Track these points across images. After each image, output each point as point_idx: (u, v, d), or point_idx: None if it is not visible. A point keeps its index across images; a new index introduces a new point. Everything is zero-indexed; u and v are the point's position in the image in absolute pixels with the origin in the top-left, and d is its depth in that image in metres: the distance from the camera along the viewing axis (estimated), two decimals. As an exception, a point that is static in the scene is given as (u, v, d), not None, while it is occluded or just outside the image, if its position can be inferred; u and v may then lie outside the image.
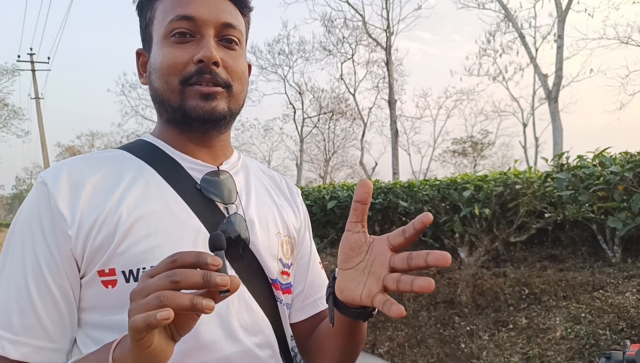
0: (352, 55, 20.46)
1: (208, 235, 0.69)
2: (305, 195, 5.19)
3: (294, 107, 23.38)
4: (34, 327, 0.62)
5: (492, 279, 4.52)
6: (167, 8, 0.73)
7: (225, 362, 0.69)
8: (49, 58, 22.82)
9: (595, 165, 3.20)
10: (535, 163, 23.43)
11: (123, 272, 0.64)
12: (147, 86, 0.78)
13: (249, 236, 0.75)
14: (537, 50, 16.41)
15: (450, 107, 29.02)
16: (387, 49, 16.36)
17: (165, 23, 0.72)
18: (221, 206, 0.75)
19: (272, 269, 0.78)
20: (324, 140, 27.32)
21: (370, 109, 23.08)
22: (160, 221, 0.68)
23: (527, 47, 13.40)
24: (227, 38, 0.74)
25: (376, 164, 24.15)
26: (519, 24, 14.65)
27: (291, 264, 0.83)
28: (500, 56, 19.88)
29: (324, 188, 5.46)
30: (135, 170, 0.72)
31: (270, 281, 0.78)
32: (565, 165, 3.29)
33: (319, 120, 24.49)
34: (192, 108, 0.71)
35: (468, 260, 4.12)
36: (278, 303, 0.79)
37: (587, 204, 3.21)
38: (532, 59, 13.23)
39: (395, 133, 15.37)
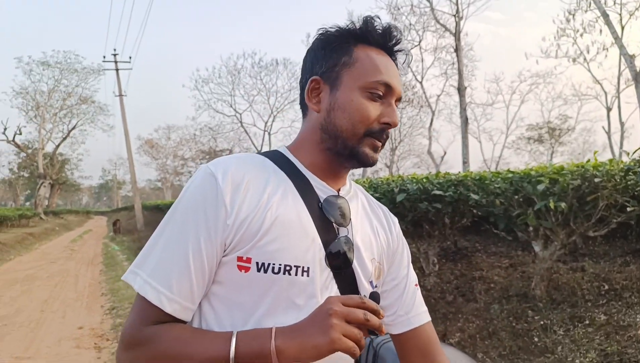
0: (419, 42, 20.01)
1: (322, 248, 0.84)
2: (374, 188, 5.24)
3: (360, 96, 23.28)
4: (186, 291, 0.77)
5: (569, 273, 4.40)
6: (367, 65, 0.87)
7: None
8: (130, 58, 24.56)
9: (684, 158, 3.03)
10: (621, 148, 21.78)
11: (257, 263, 0.79)
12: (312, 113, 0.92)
13: (353, 258, 0.88)
14: (622, 28, 15.21)
15: (524, 92, 27.80)
16: (456, 35, 15.89)
17: (367, 79, 0.86)
18: (335, 227, 0.88)
19: (364, 289, 0.90)
20: (390, 129, 26.98)
21: (439, 96, 22.56)
22: (291, 228, 0.82)
23: (611, 26, 12.47)
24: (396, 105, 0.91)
25: (445, 153, 23.65)
26: (602, 1, 13.62)
27: (376, 286, 0.96)
28: (581, 35, 18.63)
29: (393, 181, 5.47)
30: (279, 178, 0.86)
31: None
32: (649, 158, 3.14)
33: (385, 109, 24.21)
34: (364, 154, 0.87)
35: (543, 253, 4.04)
36: None
37: (674, 199, 3.05)
38: (617, 39, 12.30)
39: (465, 121, 14.97)
